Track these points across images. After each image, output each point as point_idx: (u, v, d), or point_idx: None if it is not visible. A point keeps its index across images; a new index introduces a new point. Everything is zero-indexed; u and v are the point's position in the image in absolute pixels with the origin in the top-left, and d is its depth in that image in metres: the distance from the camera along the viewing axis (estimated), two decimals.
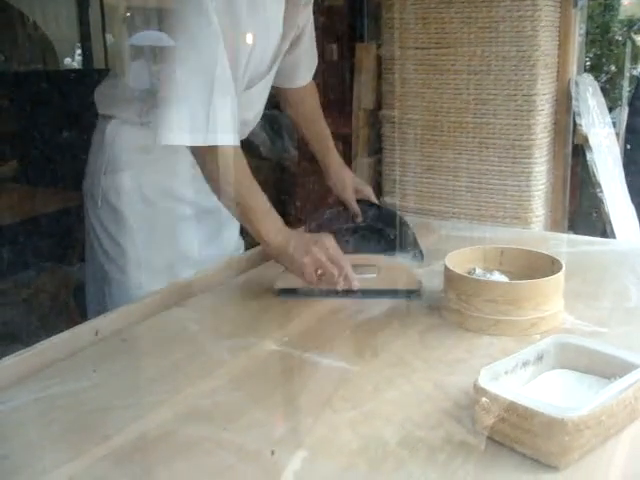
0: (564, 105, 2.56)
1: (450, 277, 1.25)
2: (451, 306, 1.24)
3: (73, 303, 2.63)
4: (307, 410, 0.98)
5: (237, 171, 1.39)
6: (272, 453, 0.86)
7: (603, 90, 3.89)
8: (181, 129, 1.35)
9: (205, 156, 1.38)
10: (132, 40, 1.54)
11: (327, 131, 1.86)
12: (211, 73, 1.35)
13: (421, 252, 1.59)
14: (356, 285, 1.33)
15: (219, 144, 1.36)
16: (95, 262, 1.64)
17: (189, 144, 1.36)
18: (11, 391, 1.03)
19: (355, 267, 1.36)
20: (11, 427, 0.94)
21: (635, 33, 3.94)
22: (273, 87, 1.69)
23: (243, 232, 1.79)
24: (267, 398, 1.00)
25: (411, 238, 1.66)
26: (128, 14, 2.00)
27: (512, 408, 0.82)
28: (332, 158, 1.84)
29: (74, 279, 2.64)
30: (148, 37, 1.59)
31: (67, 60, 4.74)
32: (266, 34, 1.50)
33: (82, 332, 1.20)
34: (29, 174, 3.16)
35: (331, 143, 1.85)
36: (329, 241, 1.36)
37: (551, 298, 1.22)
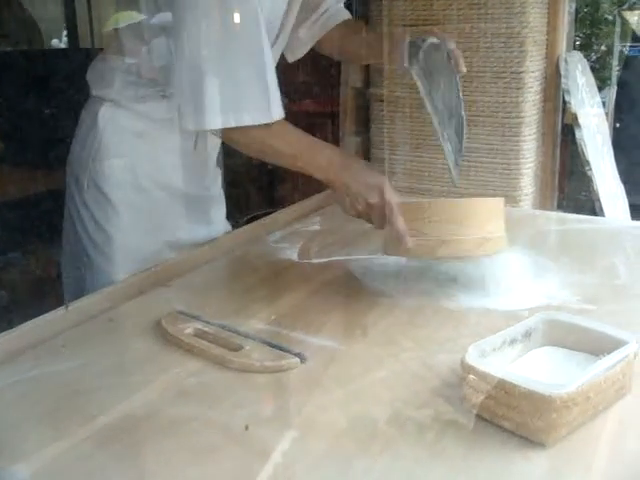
0: (553, 83, 2.55)
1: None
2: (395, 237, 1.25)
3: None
4: (295, 390, 0.97)
5: (295, 140, 1.40)
6: (246, 428, 0.85)
7: (593, 69, 3.89)
8: (243, 110, 1.33)
9: (261, 133, 1.36)
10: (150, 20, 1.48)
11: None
12: (260, 44, 1.33)
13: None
14: (409, 244, 1.25)
15: (278, 118, 1.35)
16: (77, 247, 1.59)
17: (251, 123, 1.33)
18: None
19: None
20: None
21: (625, 11, 3.92)
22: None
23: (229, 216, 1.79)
24: (255, 378, 0.99)
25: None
26: None
27: (499, 385, 0.81)
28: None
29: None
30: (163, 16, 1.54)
31: (54, 41, 4.70)
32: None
33: (67, 313, 1.19)
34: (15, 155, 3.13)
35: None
36: (389, 193, 1.31)
37: (493, 220, 1.23)
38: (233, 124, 1.32)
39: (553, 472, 0.78)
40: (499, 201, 1.28)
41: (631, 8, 4.02)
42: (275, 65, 1.53)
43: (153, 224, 1.60)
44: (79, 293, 1.43)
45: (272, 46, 1.49)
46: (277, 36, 1.55)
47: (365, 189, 1.31)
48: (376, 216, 1.30)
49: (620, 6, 4.18)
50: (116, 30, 1.78)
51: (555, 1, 2.48)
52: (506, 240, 1.26)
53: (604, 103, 3.30)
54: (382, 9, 2.59)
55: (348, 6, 2.98)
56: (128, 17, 1.76)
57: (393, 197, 1.29)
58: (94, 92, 1.57)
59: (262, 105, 1.33)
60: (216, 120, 1.32)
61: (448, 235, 1.20)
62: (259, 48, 1.33)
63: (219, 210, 1.77)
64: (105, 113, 1.54)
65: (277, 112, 1.35)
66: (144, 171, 1.57)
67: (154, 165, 1.57)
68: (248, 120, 1.33)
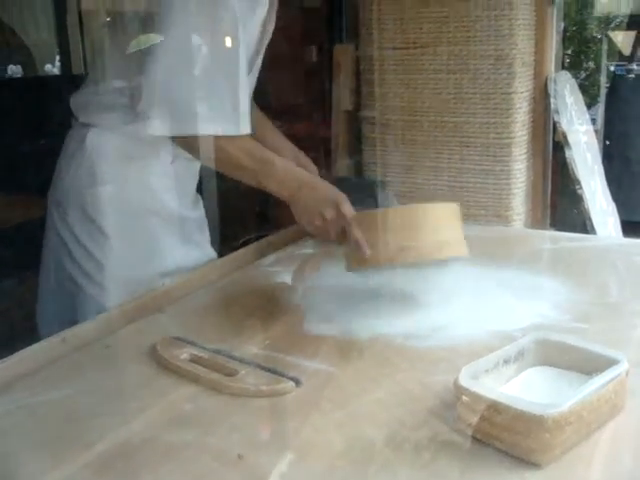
0: (542, 103, 2.57)
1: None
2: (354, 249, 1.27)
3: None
4: (291, 413, 0.98)
5: (256, 152, 1.44)
6: (239, 457, 0.85)
7: (582, 87, 3.92)
8: (213, 120, 1.38)
9: (226, 143, 1.41)
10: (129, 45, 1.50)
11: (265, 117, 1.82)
12: (236, 60, 1.39)
13: None
14: (367, 254, 1.27)
15: (245, 133, 1.42)
16: (62, 274, 1.58)
17: (220, 133, 1.39)
18: None
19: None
20: None
21: (612, 30, 3.96)
22: None
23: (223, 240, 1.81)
24: (250, 402, 1.00)
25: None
26: (108, 19, 1.96)
27: (492, 406, 0.82)
28: (269, 130, 1.78)
29: None
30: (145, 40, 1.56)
31: (48, 67, 4.72)
32: (252, 13, 1.51)
33: (63, 339, 1.20)
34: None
35: (267, 120, 1.81)
36: (345, 207, 1.35)
37: (450, 226, 1.26)
38: (200, 133, 1.37)
39: None
40: (454, 207, 1.30)
41: (616, 28, 4.07)
42: (251, 89, 1.57)
43: (143, 249, 1.60)
44: (65, 322, 1.42)
45: (248, 73, 1.53)
46: (252, 61, 1.58)
47: (322, 204, 1.34)
48: (334, 231, 1.33)
49: (607, 25, 4.22)
50: (102, 55, 1.79)
51: (542, 22, 2.51)
52: (466, 246, 1.28)
53: (594, 120, 3.33)
54: (372, 33, 2.61)
55: (339, 29, 3.03)
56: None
57: (349, 211, 1.32)
58: (80, 119, 1.57)
59: (231, 118, 1.39)
60: (186, 127, 1.35)
61: (405, 241, 1.22)
62: (235, 66, 1.40)
63: (204, 234, 1.78)
64: (93, 139, 1.54)
65: (245, 127, 1.41)
66: (133, 196, 1.57)
67: (142, 189, 1.58)
68: (217, 131, 1.38)
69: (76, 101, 1.60)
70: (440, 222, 1.25)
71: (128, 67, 1.50)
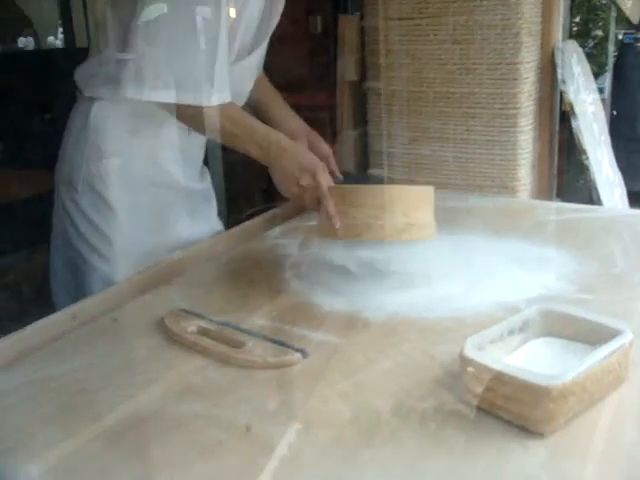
0: (549, 73, 2.56)
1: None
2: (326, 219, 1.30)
3: None
4: (298, 384, 0.99)
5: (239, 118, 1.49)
6: (247, 429, 0.87)
7: (589, 56, 3.89)
8: (185, 89, 1.42)
9: (210, 110, 1.44)
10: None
11: (279, 96, 1.83)
12: (216, 34, 1.41)
13: None
14: (337, 225, 1.30)
15: (220, 102, 1.45)
16: (70, 250, 1.59)
17: (191, 102, 1.43)
18: (3, 375, 1.03)
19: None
20: (2, 410, 0.95)
21: None
22: None
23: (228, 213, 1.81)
24: (258, 374, 1.01)
25: None
26: None
27: (497, 377, 0.83)
28: (278, 107, 1.79)
29: None
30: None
31: (50, 39, 4.70)
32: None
33: (72, 313, 1.21)
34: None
35: (281, 99, 1.82)
36: (322, 176, 1.38)
37: (420, 208, 1.29)
38: (172, 100, 1.42)
39: (551, 461, 0.79)
40: (427, 190, 1.32)
41: None
42: (260, 65, 1.65)
43: (150, 222, 1.61)
44: (75, 297, 1.44)
45: (255, 47, 1.60)
46: (257, 39, 1.61)
47: (299, 171, 1.38)
48: (308, 198, 1.35)
49: None
50: (104, 27, 1.79)
51: None
52: (434, 228, 1.31)
53: (601, 89, 3.31)
54: (377, 3, 2.60)
55: (346, 3, 3.01)
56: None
57: (324, 180, 1.35)
58: (85, 92, 1.57)
59: (205, 88, 1.42)
60: (157, 94, 1.41)
61: (373, 219, 1.25)
62: (214, 40, 1.42)
63: (211, 207, 1.80)
64: (98, 112, 1.54)
65: (218, 97, 1.44)
66: (139, 169, 1.58)
67: (148, 162, 1.59)
68: (188, 99, 1.42)
69: (80, 75, 1.60)
70: (410, 204, 1.28)
71: (130, 39, 1.50)
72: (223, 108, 1.45)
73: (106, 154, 1.55)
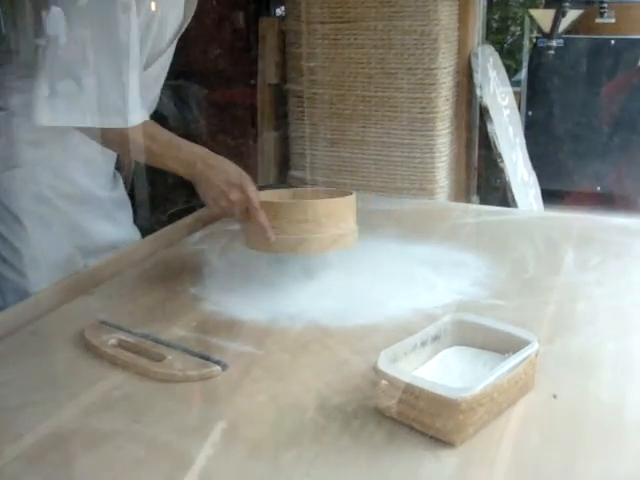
0: (466, 77, 2.62)
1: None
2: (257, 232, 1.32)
3: None
4: (219, 396, 1.00)
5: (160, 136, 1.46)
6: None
7: (508, 52, 3.98)
8: (100, 114, 1.39)
9: (129, 131, 1.41)
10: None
11: None
12: (127, 52, 1.39)
13: None
14: (272, 239, 1.32)
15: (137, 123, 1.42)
16: None
17: (108, 126, 1.40)
18: None
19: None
20: None
21: (532, 9, 4.01)
22: None
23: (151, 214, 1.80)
24: (178, 387, 1.01)
25: None
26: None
27: (409, 389, 0.86)
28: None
29: None
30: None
31: None
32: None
33: None
34: None
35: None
36: (250, 189, 1.37)
37: (347, 218, 1.34)
38: (88, 125, 1.40)
39: (461, 469, 0.82)
40: (352, 198, 1.36)
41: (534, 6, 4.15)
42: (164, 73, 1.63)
43: (61, 232, 1.58)
44: None
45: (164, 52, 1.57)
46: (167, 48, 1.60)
47: (227, 185, 1.37)
48: (238, 211, 1.36)
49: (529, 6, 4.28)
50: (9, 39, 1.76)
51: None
52: (357, 234, 1.35)
53: (518, 83, 3.39)
54: (298, 7, 2.61)
55: (266, 5, 3.01)
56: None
57: (254, 194, 1.35)
58: None
59: (120, 111, 1.40)
60: (74, 119, 1.39)
61: (307, 233, 1.29)
62: (125, 60, 1.40)
63: (125, 213, 1.78)
64: (1, 123, 1.51)
65: (135, 117, 1.41)
66: (45, 179, 1.55)
67: (54, 172, 1.56)
68: (103, 123, 1.40)
69: None
70: (339, 216, 1.32)
71: (38, 57, 1.48)
72: (143, 127, 1.43)
73: (9, 165, 1.52)
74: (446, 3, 2.45)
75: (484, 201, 2.84)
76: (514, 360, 0.90)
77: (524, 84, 3.43)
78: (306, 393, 0.98)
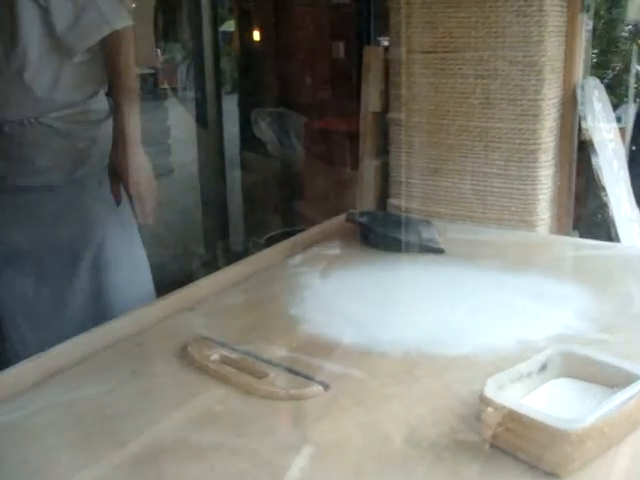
0: (570, 109, 2.57)
1: None
2: None
3: None
4: (319, 416, 1.00)
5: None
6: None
7: (610, 86, 3.89)
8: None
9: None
10: None
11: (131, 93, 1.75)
12: None
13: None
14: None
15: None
16: None
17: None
18: (27, 396, 1.05)
19: None
20: (29, 432, 0.96)
21: None
22: None
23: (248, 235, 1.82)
24: (279, 404, 1.02)
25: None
26: None
27: (517, 418, 0.84)
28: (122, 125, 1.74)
29: None
30: None
31: None
32: None
33: (96, 336, 1.23)
34: None
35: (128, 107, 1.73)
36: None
37: None
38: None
39: None
40: None
41: None
42: None
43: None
44: None
45: None
46: None
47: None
48: None
49: (636, 27, 4.19)
50: None
51: (573, 30, 2.50)
52: None
53: (619, 119, 3.31)
54: (401, 36, 2.62)
55: (367, 34, 3.04)
56: None
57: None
58: None
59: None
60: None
61: None
62: None
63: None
64: None
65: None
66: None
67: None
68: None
69: None
70: None
71: None
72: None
73: None
74: (553, 34, 2.42)
75: (584, 235, 2.77)
76: (626, 394, 0.87)
77: (631, 118, 3.35)
78: (406, 416, 0.97)
